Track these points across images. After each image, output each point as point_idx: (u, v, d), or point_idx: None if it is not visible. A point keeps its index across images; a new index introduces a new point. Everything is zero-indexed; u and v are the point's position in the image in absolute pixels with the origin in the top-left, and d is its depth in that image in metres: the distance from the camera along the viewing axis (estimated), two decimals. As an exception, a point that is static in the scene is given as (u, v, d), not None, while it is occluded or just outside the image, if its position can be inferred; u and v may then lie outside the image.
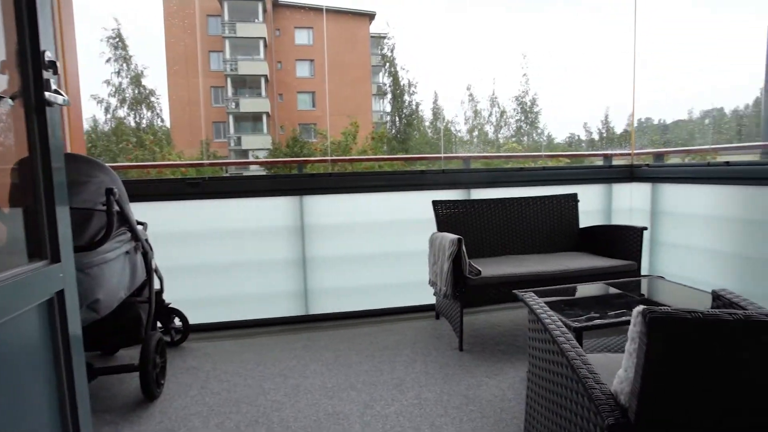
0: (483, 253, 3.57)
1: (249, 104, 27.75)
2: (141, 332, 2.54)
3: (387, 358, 2.88)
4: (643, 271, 3.76)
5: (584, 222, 3.79)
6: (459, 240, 2.89)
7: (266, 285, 3.51)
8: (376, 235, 3.67)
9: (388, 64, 29.83)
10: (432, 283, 3.29)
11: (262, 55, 27.97)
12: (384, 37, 29.77)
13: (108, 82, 24.29)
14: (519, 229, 3.67)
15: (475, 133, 33.26)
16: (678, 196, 3.68)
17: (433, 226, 3.48)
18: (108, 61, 24.32)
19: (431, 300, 3.66)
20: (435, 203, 3.50)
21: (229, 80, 27.87)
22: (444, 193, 3.68)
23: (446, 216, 3.52)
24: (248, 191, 3.36)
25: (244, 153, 27.35)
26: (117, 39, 24.42)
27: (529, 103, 28.98)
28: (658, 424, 1.10)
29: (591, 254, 3.57)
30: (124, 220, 2.37)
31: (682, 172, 3.56)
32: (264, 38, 27.87)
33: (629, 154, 4.06)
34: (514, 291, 2.13)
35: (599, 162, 4.26)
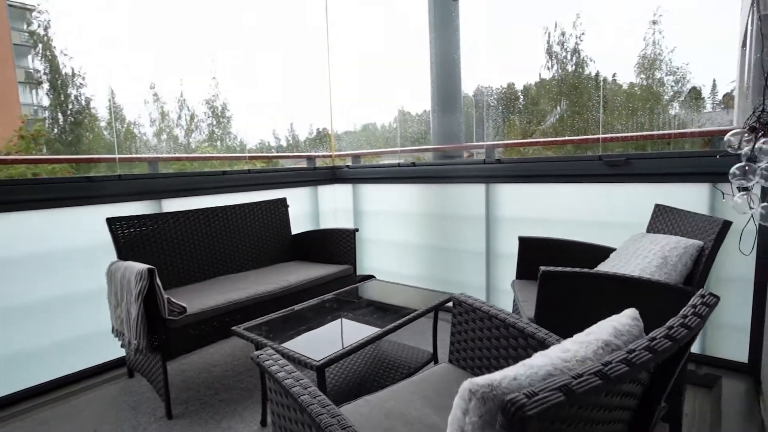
0: (187, 280, 2.81)
1: None
2: None
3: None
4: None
5: (295, 227, 3.49)
6: (150, 271, 2.08)
7: None
8: (22, 277, 2.41)
9: (41, 45, 23.51)
10: (117, 333, 2.35)
11: None
12: (31, 10, 23.25)
13: None
14: (228, 243, 3.06)
15: (164, 136, 30.03)
16: (376, 195, 3.80)
17: (111, 254, 2.51)
18: None
19: (120, 352, 2.68)
20: (111, 221, 2.52)
21: None
22: (125, 207, 2.72)
23: (130, 238, 2.59)
24: None
25: None
26: None
27: (220, 108, 27.97)
28: None
29: (308, 262, 3.29)
30: None
31: (378, 173, 3.67)
32: None
33: (330, 156, 3.99)
34: (237, 333, 1.55)
35: (303, 164, 4.05)
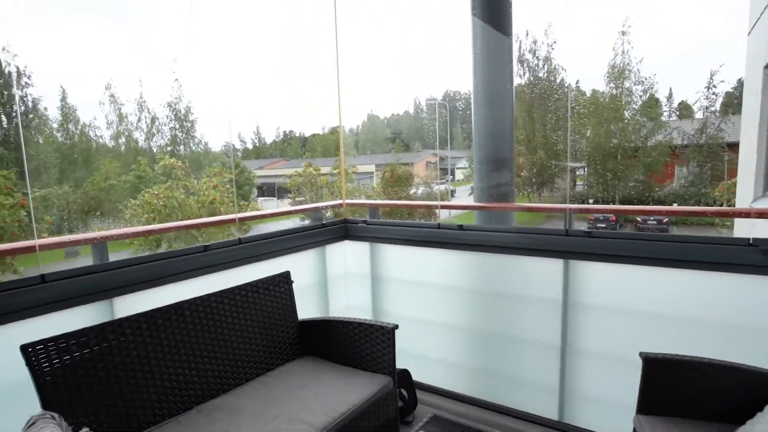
0: (152, 418, 1.82)
1: None
2: None
3: None
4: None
5: (299, 306, 2.53)
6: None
7: None
8: None
9: (-20, 43, 21.22)
10: None
11: None
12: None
13: None
14: (214, 350, 2.08)
15: (122, 139, 27.96)
16: (401, 258, 2.90)
17: (30, 401, 1.50)
18: None
19: None
20: (29, 350, 1.52)
21: None
22: (54, 319, 1.71)
23: (62, 371, 1.59)
24: None
25: None
26: None
27: (183, 111, 26.27)
28: None
29: (324, 360, 2.35)
30: None
31: (408, 234, 2.76)
32: None
33: (341, 204, 3.06)
34: None
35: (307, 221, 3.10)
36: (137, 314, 1.85)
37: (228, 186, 11.27)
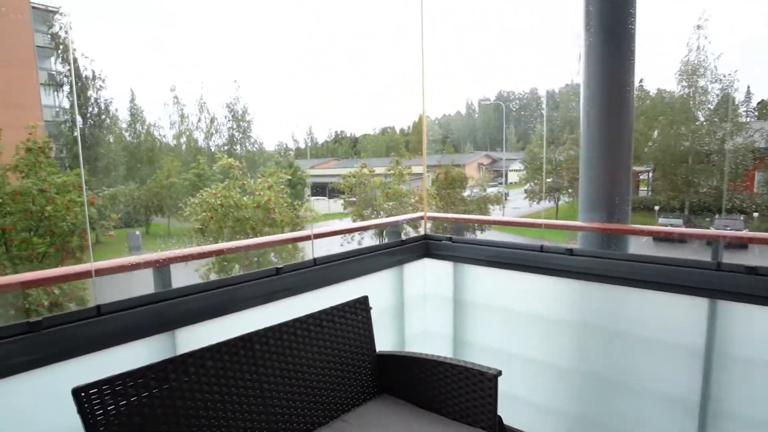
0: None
1: None
2: None
3: None
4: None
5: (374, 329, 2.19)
6: None
7: None
8: None
9: (62, 47, 22.68)
10: None
11: None
12: (54, 12, 22.45)
13: None
14: (284, 388, 1.79)
15: (183, 139, 29.09)
16: (491, 282, 2.50)
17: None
18: None
19: None
20: (82, 394, 1.27)
21: None
22: (108, 355, 1.46)
23: (118, 417, 1.33)
24: None
25: None
26: None
27: (241, 111, 26.96)
28: None
29: (407, 403, 2.00)
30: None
31: (501, 255, 2.36)
32: None
33: (421, 217, 2.69)
34: None
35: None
36: (202, 349, 1.58)
37: (283, 186, 11.24)
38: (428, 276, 2.70)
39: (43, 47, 23.71)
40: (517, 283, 2.38)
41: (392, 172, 13.55)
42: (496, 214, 17.43)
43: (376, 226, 2.83)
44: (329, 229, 2.38)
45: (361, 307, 2.13)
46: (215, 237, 11.15)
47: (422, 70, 2.47)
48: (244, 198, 10.82)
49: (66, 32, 22.42)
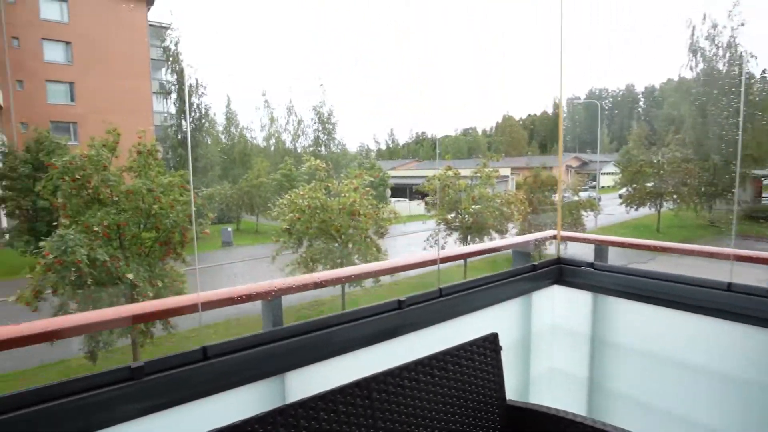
0: None
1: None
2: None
3: None
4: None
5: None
6: None
7: None
8: None
9: (171, 59, 24.84)
10: None
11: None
12: (167, 28, 24.66)
13: None
14: (405, 445, 1.48)
15: (272, 140, 30.55)
16: (643, 321, 2.01)
17: None
18: None
19: None
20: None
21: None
22: (213, 404, 1.24)
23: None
24: None
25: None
26: None
27: (326, 114, 27.70)
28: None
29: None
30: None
31: (661, 289, 1.87)
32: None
33: (554, 236, 2.26)
34: None
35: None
36: (314, 397, 1.31)
37: (368, 188, 11.14)
38: (557, 306, 2.26)
39: (156, 60, 26.18)
40: (683, 325, 1.87)
41: (478, 174, 12.96)
42: (588, 221, 16.05)
43: (504, 247, 2.44)
44: (454, 252, 2.04)
45: (490, 346, 1.76)
46: (301, 237, 11.35)
47: (560, 48, 2.04)
48: (330, 199, 10.87)
49: (175, 45, 24.54)
